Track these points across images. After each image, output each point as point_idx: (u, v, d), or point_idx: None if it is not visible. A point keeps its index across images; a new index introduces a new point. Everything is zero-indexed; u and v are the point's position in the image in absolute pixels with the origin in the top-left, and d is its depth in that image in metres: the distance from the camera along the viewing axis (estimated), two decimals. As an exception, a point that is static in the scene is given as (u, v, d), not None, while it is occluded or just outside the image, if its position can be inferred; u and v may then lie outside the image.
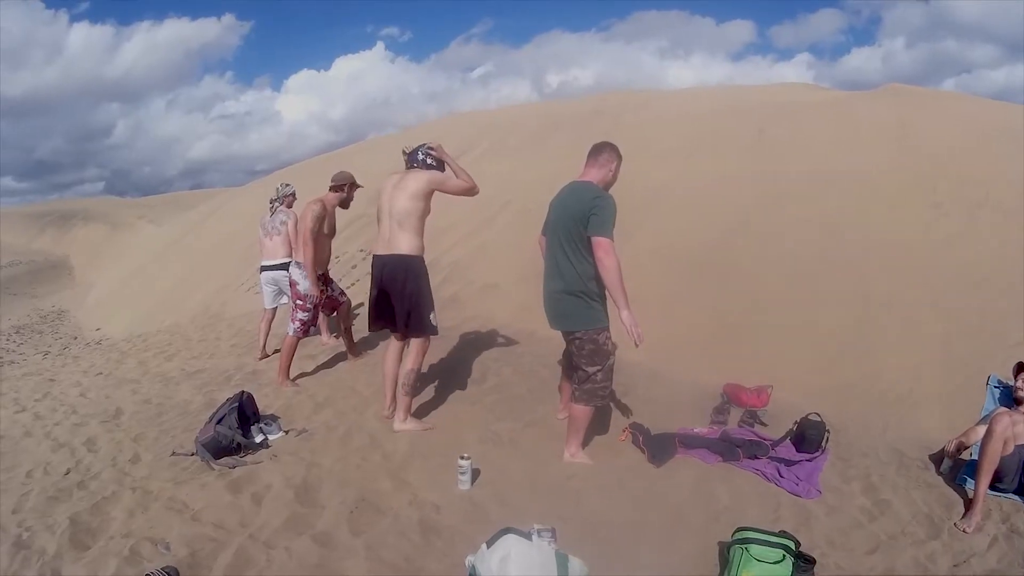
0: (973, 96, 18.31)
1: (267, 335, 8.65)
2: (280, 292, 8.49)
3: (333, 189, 7.60)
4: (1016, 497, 5.02)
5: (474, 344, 8.30)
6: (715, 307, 8.28)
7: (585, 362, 5.18)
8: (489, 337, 8.49)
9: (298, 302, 7.43)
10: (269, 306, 8.61)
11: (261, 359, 8.55)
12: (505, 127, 16.37)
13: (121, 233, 27.85)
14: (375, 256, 5.92)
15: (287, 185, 9.00)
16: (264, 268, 8.51)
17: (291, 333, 7.43)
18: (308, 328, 7.61)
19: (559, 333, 5.57)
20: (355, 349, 8.05)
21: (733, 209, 9.84)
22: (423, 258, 6.00)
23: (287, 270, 7.84)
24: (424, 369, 6.66)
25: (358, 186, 7.79)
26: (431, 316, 5.94)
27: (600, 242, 4.98)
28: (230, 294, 12.18)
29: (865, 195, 9.41)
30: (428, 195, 5.91)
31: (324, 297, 7.65)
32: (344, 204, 7.68)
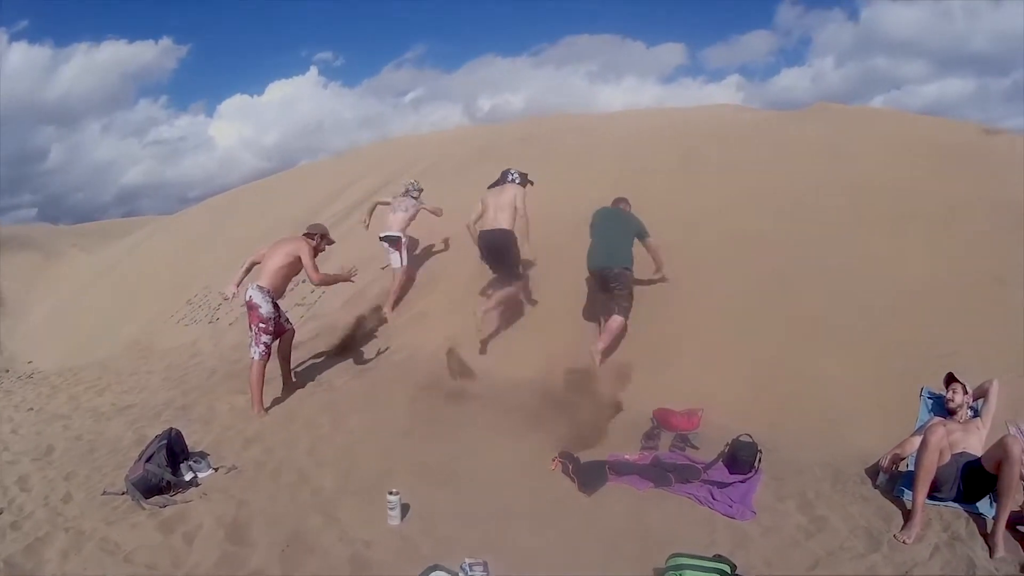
0: (901, 112, 18.79)
1: (396, 294, 10.38)
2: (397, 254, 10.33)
3: (307, 236, 7.89)
4: (956, 505, 5.12)
5: (401, 375, 8.31)
6: (644, 329, 8.28)
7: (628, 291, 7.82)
8: (417, 368, 8.50)
9: (260, 325, 7.40)
10: (396, 266, 10.36)
11: (392, 310, 10.25)
12: (436, 154, 16.47)
13: (54, 261, 27.30)
14: (482, 232, 8.54)
15: (418, 182, 11.05)
16: (383, 238, 10.33)
17: (257, 358, 7.39)
18: (271, 352, 7.57)
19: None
20: (290, 377, 8.06)
21: (662, 230, 9.76)
22: (514, 232, 8.46)
23: (397, 242, 10.19)
24: (351, 402, 7.10)
25: (331, 240, 8.25)
26: (519, 267, 8.77)
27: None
28: (161, 326, 12.10)
29: (794, 214, 9.52)
30: (513, 201, 8.52)
31: (277, 320, 7.63)
32: (317, 252, 7.87)
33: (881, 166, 10.41)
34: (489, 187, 8.92)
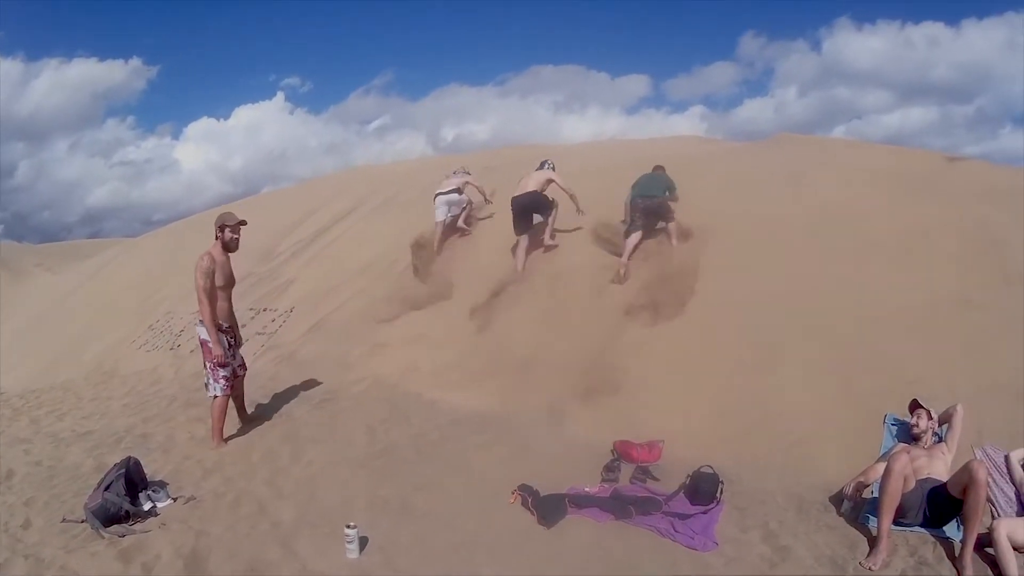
0: (862, 142, 19.04)
1: (441, 241, 12.09)
2: (449, 210, 12.18)
3: (216, 236, 7.42)
4: (922, 530, 5.21)
5: (361, 406, 8.34)
6: (604, 361, 8.39)
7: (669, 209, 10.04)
8: (376, 399, 8.55)
9: (214, 361, 7.19)
10: (439, 219, 12.11)
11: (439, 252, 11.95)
12: (398, 182, 16.57)
13: (20, 280, 26.95)
14: (513, 198, 10.72)
15: (466, 167, 13.37)
16: (439, 194, 12.19)
17: (218, 394, 7.26)
18: (232, 384, 7.41)
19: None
20: (245, 412, 8.02)
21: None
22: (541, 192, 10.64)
23: (457, 195, 12.19)
24: (311, 433, 7.19)
25: (233, 224, 7.43)
26: (546, 214, 10.69)
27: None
28: (123, 350, 12.06)
29: (756, 243, 9.62)
30: (543, 177, 10.88)
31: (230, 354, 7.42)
32: (227, 248, 7.39)
33: (843, 194, 10.56)
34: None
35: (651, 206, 9.98)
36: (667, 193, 10.16)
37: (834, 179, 11.35)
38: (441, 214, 12.11)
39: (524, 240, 10.66)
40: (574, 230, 11.08)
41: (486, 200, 12.94)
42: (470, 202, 12.59)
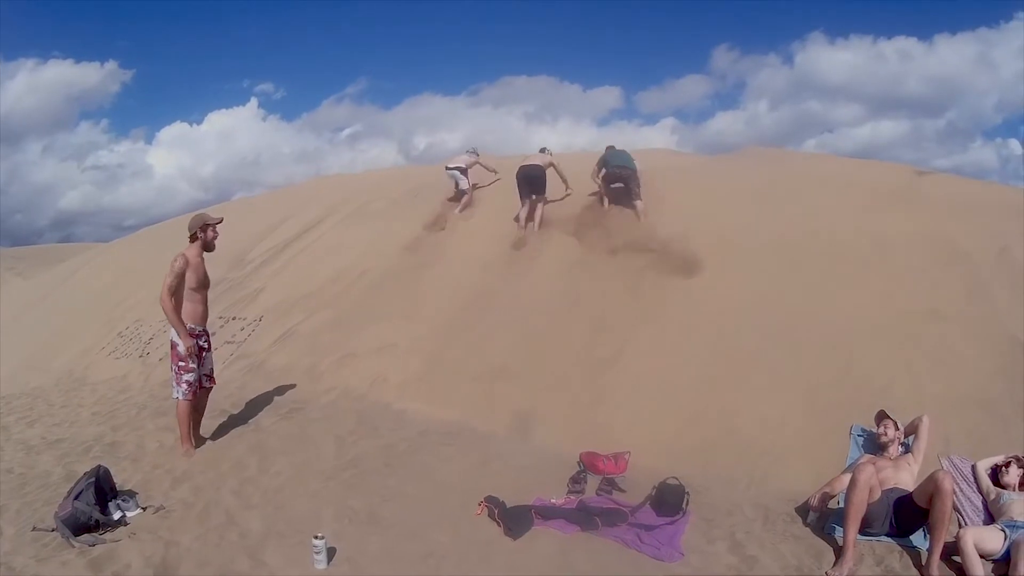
0: (831, 155, 19.29)
1: (465, 206, 13.87)
2: (457, 184, 14.18)
3: (191, 239, 7.44)
4: (888, 539, 5.36)
5: (330, 417, 8.39)
6: (571, 373, 8.52)
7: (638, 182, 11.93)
8: (345, 410, 8.61)
9: (180, 364, 7.23)
10: (464, 187, 14.04)
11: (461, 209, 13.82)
12: (369, 192, 16.61)
13: (-8, 285, 26.71)
14: (521, 167, 12.49)
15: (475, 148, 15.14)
16: (449, 168, 14.22)
17: (181, 398, 7.28)
18: (196, 390, 7.40)
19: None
20: (198, 434, 7.76)
21: (592, 274, 10.32)
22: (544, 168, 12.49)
23: (459, 172, 14.06)
24: (279, 443, 7.25)
25: (214, 222, 7.53)
26: (544, 191, 12.41)
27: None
28: (94, 357, 12.03)
29: (725, 256, 9.80)
30: (546, 157, 12.94)
31: (201, 353, 7.43)
32: (207, 247, 7.49)
33: (811, 208, 10.74)
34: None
35: (626, 175, 11.97)
36: (634, 164, 12.19)
37: (802, 192, 11.55)
38: (462, 183, 14.09)
39: (527, 207, 12.46)
40: (541, 248, 11.29)
41: (492, 172, 14.99)
42: (472, 186, 14.28)
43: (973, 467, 6.01)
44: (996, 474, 5.85)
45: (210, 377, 7.76)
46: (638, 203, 11.75)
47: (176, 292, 7.17)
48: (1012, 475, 5.72)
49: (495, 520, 5.72)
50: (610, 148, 12.92)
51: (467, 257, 11.69)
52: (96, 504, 5.69)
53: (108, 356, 11.97)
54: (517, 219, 12.47)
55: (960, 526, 5.42)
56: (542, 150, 13.34)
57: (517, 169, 12.53)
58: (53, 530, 5.51)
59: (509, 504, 5.90)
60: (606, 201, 12.25)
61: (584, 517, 5.73)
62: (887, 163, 15.48)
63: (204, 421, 7.95)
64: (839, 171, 13.36)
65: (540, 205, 12.39)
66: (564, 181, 13.01)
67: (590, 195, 12.76)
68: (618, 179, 12.05)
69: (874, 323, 8.05)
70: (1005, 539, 5.12)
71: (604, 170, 12.23)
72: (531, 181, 12.30)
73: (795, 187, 11.88)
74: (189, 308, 7.32)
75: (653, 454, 6.97)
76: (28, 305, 16.85)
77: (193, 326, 7.36)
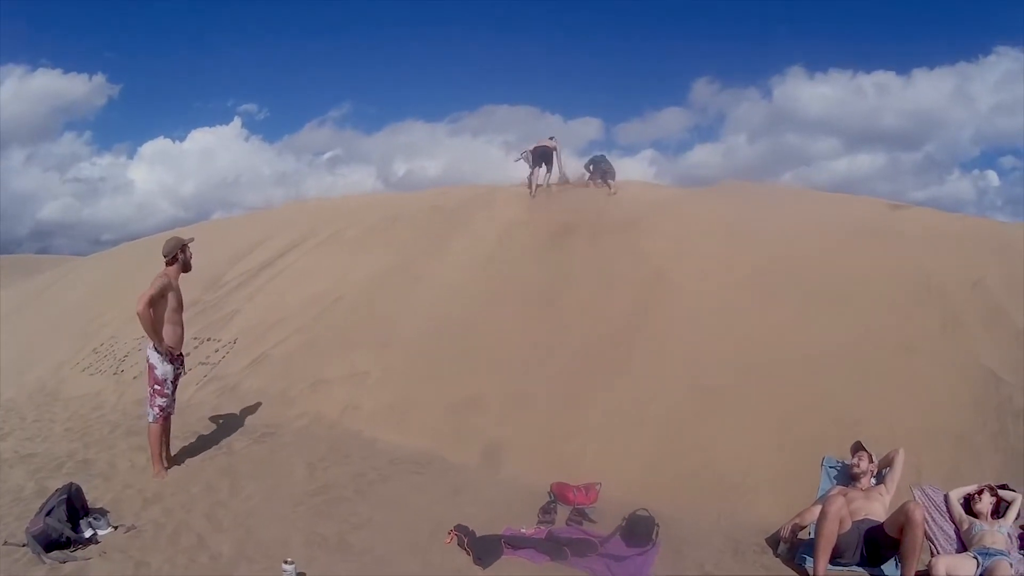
0: (807, 189, 19.54)
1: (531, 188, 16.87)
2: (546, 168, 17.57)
3: (169, 262, 7.44)
4: (860, 569, 5.44)
5: (301, 442, 8.45)
6: (542, 404, 8.58)
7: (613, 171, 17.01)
8: (317, 436, 8.65)
9: (156, 387, 7.28)
10: (547, 175, 17.51)
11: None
12: (346, 217, 16.70)
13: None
14: (538, 145, 17.19)
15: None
16: (537, 150, 17.22)
17: (151, 420, 7.33)
18: (167, 414, 7.45)
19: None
20: (169, 458, 7.75)
21: (567, 305, 10.44)
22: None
23: (554, 152, 17.39)
24: (250, 467, 7.31)
25: (188, 242, 7.61)
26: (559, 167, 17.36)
27: None
28: (67, 372, 11.99)
29: (698, 290, 9.92)
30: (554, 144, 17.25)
31: (174, 384, 7.48)
32: (186, 268, 7.57)
33: (785, 242, 10.88)
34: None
35: (607, 167, 17.09)
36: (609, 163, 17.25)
37: (777, 226, 11.69)
38: (543, 174, 17.22)
39: (538, 174, 17.02)
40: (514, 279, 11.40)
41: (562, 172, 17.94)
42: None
43: (946, 496, 6.09)
44: (968, 503, 5.95)
45: (172, 403, 7.67)
46: (611, 182, 16.72)
47: (155, 309, 7.17)
48: (984, 503, 5.83)
49: (465, 549, 5.75)
50: (597, 155, 17.63)
51: (440, 287, 11.78)
52: (68, 521, 5.71)
53: (82, 372, 11.94)
54: (529, 184, 17.01)
55: (932, 555, 5.54)
56: (551, 138, 17.51)
57: (534, 147, 17.28)
58: (24, 545, 5.54)
59: (479, 533, 5.93)
60: (591, 184, 17.00)
61: (554, 547, 5.78)
62: (862, 197, 15.88)
63: (176, 442, 8.00)
64: (814, 205, 13.67)
65: (548, 174, 17.20)
66: (560, 166, 17.51)
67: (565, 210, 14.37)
68: (600, 169, 17.02)
69: (848, 357, 8.16)
70: (978, 566, 5.24)
71: (592, 165, 17.28)
72: (545, 156, 17.12)
73: (770, 222, 12.03)
74: (169, 330, 7.34)
75: (624, 486, 7.01)
76: (2, 316, 16.73)
77: (172, 348, 7.41)
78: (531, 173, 17.14)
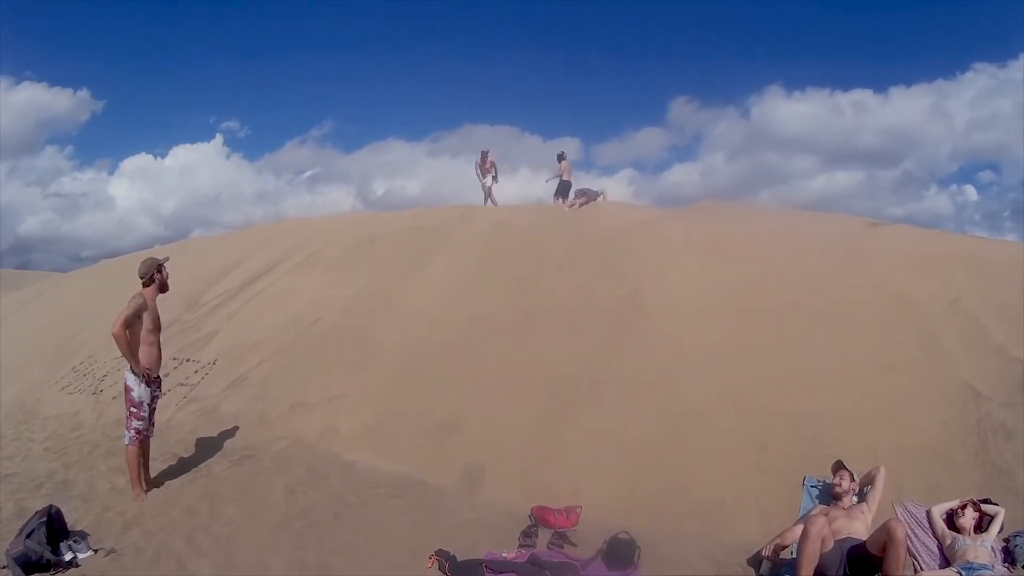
0: (785, 208, 19.72)
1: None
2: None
3: (146, 283, 7.45)
4: None
5: (280, 465, 8.45)
6: (521, 427, 8.59)
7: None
8: (296, 459, 8.64)
9: (132, 409, 7.27)
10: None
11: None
12: (324, 238, 16.71)
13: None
14: (561, 180, 19.26)
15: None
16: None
17: (127, 443, 7.33)
18: (144, 436, 7.44)
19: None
20: (148, 479, 7.76)
21: (545, 327, 10.43)
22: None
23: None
24: (230, 491, 7.31)
25: (164, 261, 7.63)
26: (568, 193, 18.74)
27: None
28: (45, 391, 11.95)
29: (676, 311, 9.92)
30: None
31: (151, 408, 7.48)
32: (163, 288, 7.59)
33: (763, 262, 10.94)
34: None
35: (591, 191, 18.01)
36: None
37: (754, 246, 11.75)
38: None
39: (563, 200, 18.51)
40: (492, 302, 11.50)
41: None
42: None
43: (928, 512, 6.19)
44: (951, 518, 6.05)
45: (151, 426, 7.71)
46: (600, 198, 17.86)
47: (131, 330, 7.20)
48: (967, 519, 5.93)
49: (445, 573, 5.76)
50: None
51: (419, 309, 11.78)
52: (48, 544, 5.73)
53: (61, 391, 11.89)
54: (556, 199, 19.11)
55: (915, 571, 5.64)
56: (560, 154, 19.72)
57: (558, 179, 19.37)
58: (4, 567, 5.55)
59: (460, 558, 5.94)
60: (576, 206, 17.23)
61: (535, 571, 5.80)
62: (840, 215, 15.92)
63: (155, 464, 8.00)
64: (792, 225, 13.68)
65: (563, 200, 18.48)
66: (559, 177, 19.40)
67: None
68: (584, 192, 17.93)
69: (826, 376, 8.22)
70: (962, 581, 5.28)
71: (576, 188, 18.57)
72: (566, 187, 18.96)
73: (747, 242, 12.11)
74: (145, 351, 7.36)
75: (604, 509, 7.01)
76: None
77: (149, 370, 7.43)
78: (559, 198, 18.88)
